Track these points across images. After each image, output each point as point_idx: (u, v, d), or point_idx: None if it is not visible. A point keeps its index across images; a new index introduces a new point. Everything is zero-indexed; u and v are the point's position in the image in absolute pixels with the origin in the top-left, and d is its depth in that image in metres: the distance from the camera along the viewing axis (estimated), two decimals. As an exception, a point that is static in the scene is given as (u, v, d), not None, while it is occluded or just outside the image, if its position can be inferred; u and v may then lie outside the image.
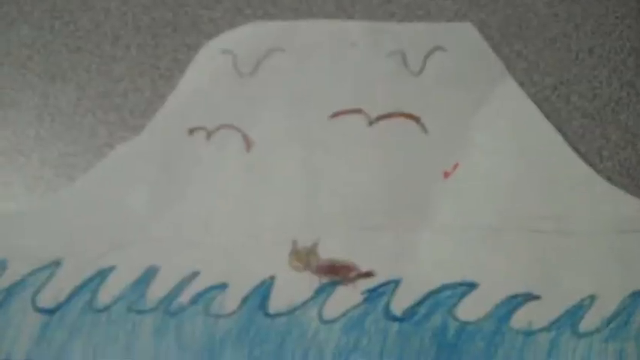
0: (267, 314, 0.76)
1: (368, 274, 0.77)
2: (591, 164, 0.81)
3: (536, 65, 0.86)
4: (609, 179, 0.80)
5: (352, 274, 0.77)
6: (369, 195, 0.80)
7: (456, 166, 0.80)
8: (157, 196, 0.81)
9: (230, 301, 0.77)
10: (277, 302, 0.77)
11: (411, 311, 0.76)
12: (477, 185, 0.80)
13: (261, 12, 0.89)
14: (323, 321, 0.76)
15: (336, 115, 0.83)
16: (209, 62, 0.87)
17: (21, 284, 0.78)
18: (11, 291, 0.78)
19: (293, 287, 0.77)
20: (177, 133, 0.83)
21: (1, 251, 0.80)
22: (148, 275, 0.78)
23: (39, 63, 0.88)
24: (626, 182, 0.81)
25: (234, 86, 0.85)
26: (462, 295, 0.76)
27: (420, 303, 0.76)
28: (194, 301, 0.77)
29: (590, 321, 0.74)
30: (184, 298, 0.77)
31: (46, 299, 0.77)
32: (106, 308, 0.77)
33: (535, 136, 0.82)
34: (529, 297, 0.75)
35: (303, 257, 0.77)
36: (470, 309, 0.76)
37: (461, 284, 0.76)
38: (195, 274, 0.77)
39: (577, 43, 0.87)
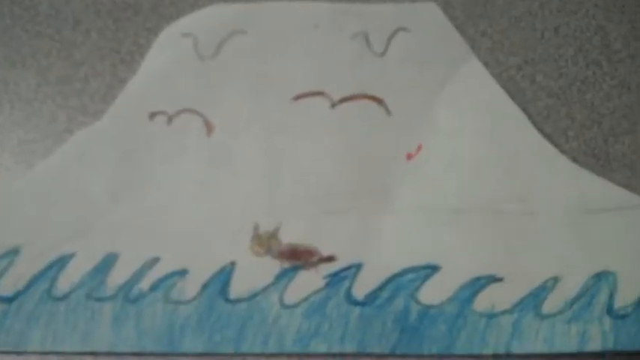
0: (227, 300, 0.75)
1: (330, 259, 0.76)
2: (556, 144, 0.80)
3: (501, 45, 0.85)
4: (575, 159, 0.80)
5: (314, 259, 0.76)
6: (331, 178, 0.80)
7: (419, 148, 0.80)
8: (117, 181, 0.80)
9: (190, 287, 0.76)
10: (238, 288, 0.76)
11: (372, 295, 0.75)
12: (440, 167, 0.80)
13: (223, -6, 0.88)
14: (284, 306, 0.75)
15: (298, 97, 0.82)
16: (170, 45, 0.86)
17: (-21, 272, 0.76)
18: (-31, 279, 0.76)
19: (254, 272, 0.76)
20: (137, 118, 0.82)
21: (-42, 239, 0.78)
22: (108, 262, 0.77)
23: (-2, 48, 0.87)
24: (592, 162, 0.80)
25: (195, 69, 0.84)
26: (425, 279, 0.75)
27: (382, 287, 0.75)
28: (154, 287, 0.76)
29: (553, 302, 0.74)
30: (144, 284, 0.77)
31: (5, 287, 0.77)
32: (65, 296, 0.76)
33: (500, 116, 0.81)
34: (492, 279, 0.75)
35: (265, 242, 0.77)
36: (432, 292, 0.75)
37: (423, 267, 0.76)
38: (155, 261, 0.77)
39: (542, 22, 0.87)
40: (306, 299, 0.75)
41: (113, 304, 0.76)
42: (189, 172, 0.80)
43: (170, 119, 0.82)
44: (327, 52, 0.84)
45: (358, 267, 0.76)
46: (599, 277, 0.74)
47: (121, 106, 0.83)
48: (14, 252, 0.77)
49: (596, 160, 0.80)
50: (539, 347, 0.73)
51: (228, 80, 0.83)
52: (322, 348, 0.74)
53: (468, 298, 0.74)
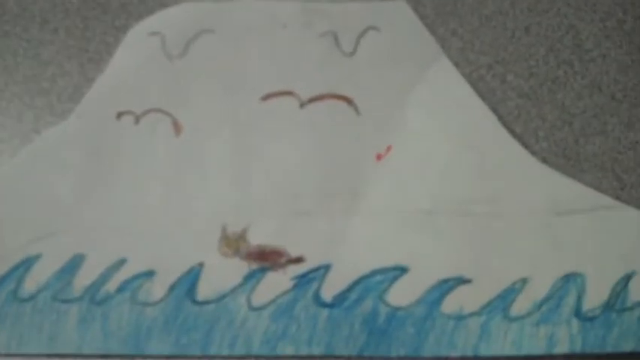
0: (195, 301, 0.75)
1: (298, 260, 0.76)
2: (527, 145, 0.80)
3: (472, 44, 0.85)
4: (545, 160, 0.79)
5: (282, 260, 0.76)
6: (300, 179, 0.79)
7: (388, 149, 0.79)
8: (83, 182, 0.79)
9: (157, 289, 0.76)
10: (206, 289, 0.76)
11: (341, 297, 0.75)
12: (409, 168, 0.79)
13: (193, -8, 0.87)
14: (252, 308, 0.75)
15: (266, 97, 0.82)
16: (137, 45, 0.85)
17: (-56, 274, 0.76)
18: None
19: (222, 274, 0.76)
20: (105, 118, 0.82)
21: None
22: (74, 263, 0.76)
23: (-34, 48, 0.86)
24: (562, 163, 0.80)
25: (163, 69, 0.83)
26: (393, 280, 0.75)
27: (350, 288, 0.75)
28: (121, 289, 0.76)
29: (521, 304, 0.74)
30: (111, 286, 0.76)
31: (-30, 289, 0.75)
32: (32, 297, 0.76)
33: (469, 117, 0.81)
34: (460, 281, 0.75)
35: (233, 243, 0.76)
36: (401, 294, 0.75)
37: (392, 269, 0.75)
38: (122, 262, 0.76)
39: (513, 21, 0.86)
40: (273, 301, 0.75)
41: (79, 305, 0.75)
42: (156, 172, 0.80)
43: (137, 119, 0.81)
44: (296, 51, 0.84)
45: (327, 268, 0.75)
46: (568, 278, 0.74)
47: (88, 106, 0.82)
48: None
49: (566, 160, 0.80)
50: (507, 350, 0.73)
51: (197, 80, 0.83)
52: (290, 350, 0.73)
53: (436, 300, 0.74)
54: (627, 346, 0.72)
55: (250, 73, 0.83)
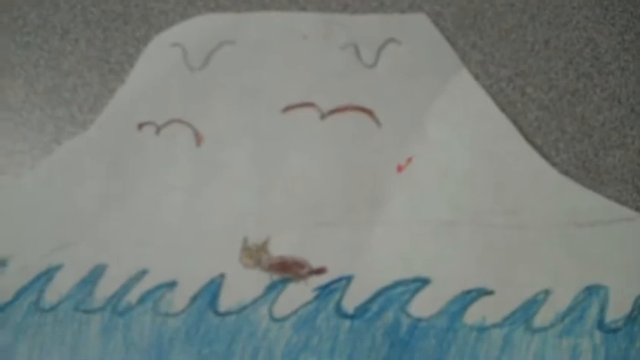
0: (216, 313, 0.75)
1: (320, 271, 0.76)
2: (547, 157, 0.80)
3: (492, 57, 0.85)
4: (565, 172, 0.79)
5: (304, 271, 0.76)
6: (321, 190, 0.79)
7: (409, 160, 0.79)
8: (105, 192, 0.79)
9: (179, 300, 0.76)
10: (227, 300, 0.76)
11: (362, 308, 0.75)
12: (430, 179, 0.79)
13: (213, 4, 0.87)
14: (273, 319, 0.75)
15: (288, 108, 0.82)
16: (159, 56, 0.85)
17: (-35, 284, 0.76)
18: (-45, 291, 0.75)
19: (243, 285, 0.76)
20: (126, 128, 0.82)
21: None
22: (96, 274, 0.76)
23: (-14, 58, 0.86)
24: (582, 175, 0.80)
25: (184, 80, 0.83)
26: (415, 291, 0.75)
27: (372, 300, 0.75)
28: (142, 299, 0.76)
29: (544, 316, 0.74)
30: (132, 296, 0.76)
31: (-9, 299, 0.75)
32: (53, 308, 0.76)
33: (490, 128, 0.81)
34: (483, 292, 0.74)
35: (254, 254, 0.76)
36: (423, 305, 0.75)
37: (414, 280, 0.75)
38: (143, 272, 0.76)
39: (533, 34, 0.86)
40: (295, 312, 0.75)
41: (101, 316, 0.75)
42: (178, 182, 0.80)
43: (158, 129, 0.81)
44: (317, 63, 0.84)
45: (348, 279, 0.75)
46: (590, 290, 0.74)
47: (109, 116, 0.83)
48: (1, 264, 0.77)
49: (586, 172, 0.80)
50: (530, 361, 0.72)
51: (218, 91, 0.83)
52: (311, 361, 0.73)
53: (458, 311, 0.74)
54: (650, 358, 0.72)
55: (271, 84, 0.83)
